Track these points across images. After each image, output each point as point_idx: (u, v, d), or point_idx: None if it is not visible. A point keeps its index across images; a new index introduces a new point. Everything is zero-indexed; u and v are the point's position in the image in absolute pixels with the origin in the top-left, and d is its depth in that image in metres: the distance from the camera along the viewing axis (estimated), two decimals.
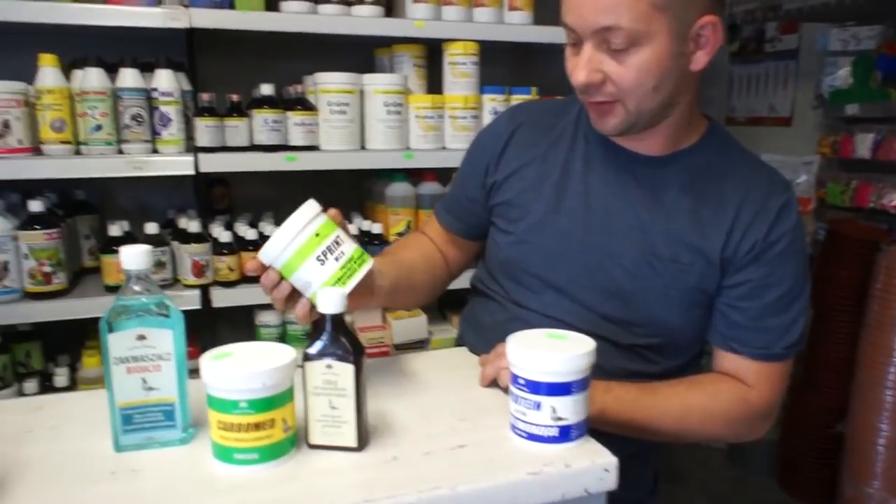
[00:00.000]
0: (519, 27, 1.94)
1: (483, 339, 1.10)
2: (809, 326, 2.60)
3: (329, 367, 0.77)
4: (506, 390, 0.92)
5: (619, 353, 1.04)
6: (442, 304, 2.21)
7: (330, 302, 0.78)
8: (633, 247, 1.02)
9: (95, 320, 1.77)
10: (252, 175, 1.74)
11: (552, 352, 0.79)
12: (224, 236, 1.79)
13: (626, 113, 0.96)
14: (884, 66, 2.51)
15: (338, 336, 0.78)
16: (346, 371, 0.77)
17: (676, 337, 1.06)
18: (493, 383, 0.97)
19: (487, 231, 1.19)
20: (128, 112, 1.64)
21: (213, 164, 1.70)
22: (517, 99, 1.97)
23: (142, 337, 0.77)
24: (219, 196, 2.09)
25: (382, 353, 1.98)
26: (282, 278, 0.90)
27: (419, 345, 2.04)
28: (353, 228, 1.91)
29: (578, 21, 0.92)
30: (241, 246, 1.81)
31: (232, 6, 1.69)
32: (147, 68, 1.71)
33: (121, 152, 1.66)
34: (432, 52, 1.97)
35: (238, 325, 2.03)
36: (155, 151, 1.69)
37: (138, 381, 0.78)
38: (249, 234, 1.82)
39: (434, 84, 1.99)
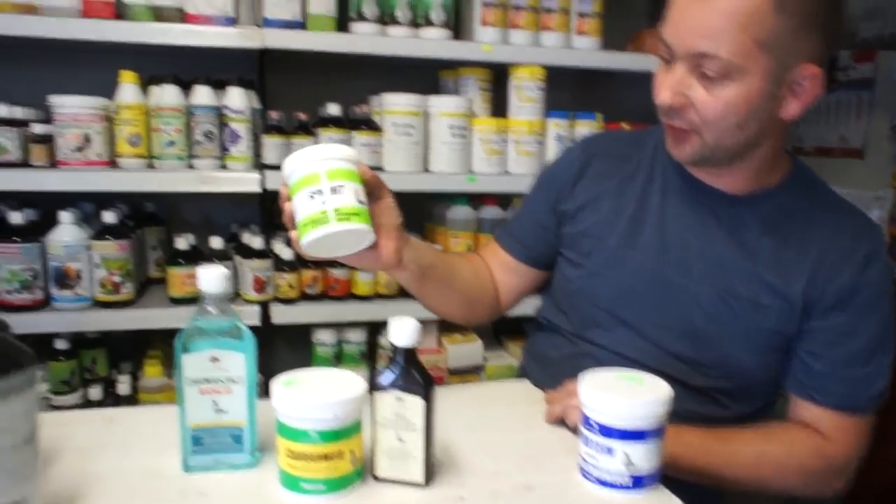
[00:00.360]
0: (586, 52, 1.92)
1: (549, 374, 1.08)
2: None
3: (399, 399, 0.76)
4: (573, 430, 0.90)
5: (690, 395, 1.00)
6: (498, 331, 2.19)
7: (402, 334, 0.77)
8: (710, 285, 0.98)
9: (158, 331, 1.83)
10: None
11: (628, 396, 0.76)
12: (286, 253, 1.81)
13: (702, 145, 0.93)
14: None
15: (409, 368, 0.77)
16: (416, 405, 0.76)
17: (751, 380, 1.01)
18: (560, 421, 0.95)
19: (550, 261, 1.17)
20: (199, 128, 1.68)
21: (279, 181, 1.72)
22: (581, 124, 1.95)
23: (215, 359, 0.78)
24: (280, 212, 2.11)
25: (437, 378, 1.97)
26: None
27: (474, 371, 2.02)
28: None
29: (675, 39, 0.89)
30: (302, 263, 1.83)
31: (304, 27, 1.71)
32: (219, 85, 1.76)
33: (191, 167, 1.70)
34: (498, 76, 1.96)
35: (295, 343, 2.05)
36: (223, 167, 1.72)
37: (209, 403, 0.78)
38: None
39: (498, 107, 1.99)
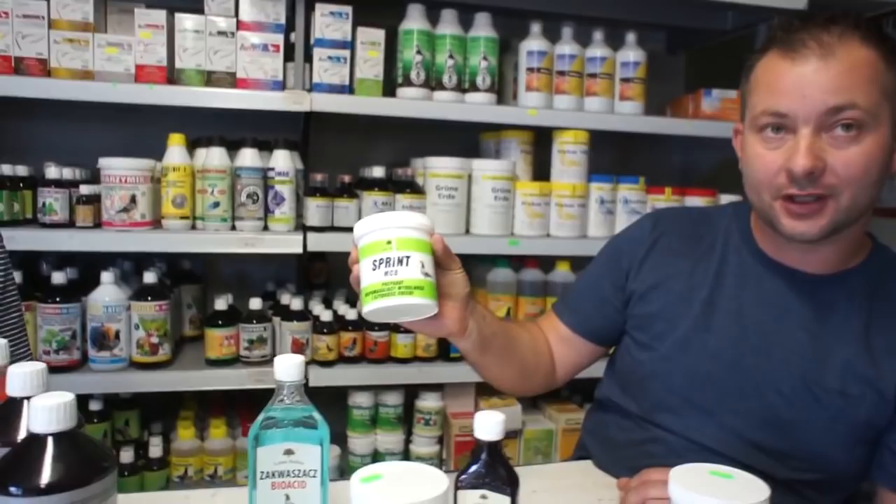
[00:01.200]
0: (630, 117, 1.92)
1: (616, 458, 1.04)
2: None
3: (484, 497, 0.72)
4: None
5: (773, 487, 0.95)
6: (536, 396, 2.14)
7: (487, 428, 0.73)
8: (793, 372, 0.94)
9: (192, 392, 1.80)
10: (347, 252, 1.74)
11: (728, 499, 0.71)
12: (325, 315, 1.78)
13: (836, 211, 0.87)
14: None
15: (494, 464, 0.73)
16: (501, 503, 0.72)
17: (838, 473, 0.96)
18: None
19: (609, 336, 1.13)
20: (244, 190, 1.67)
21: (322, 243, 1.71)
22: (624, 188, 1.93)
23: (289, 452, 0.74)
24: (318, 271, 2.10)
25: (471, 441, 1.91)
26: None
27: (513, 435, 1.97)
28: None
29: (800, 103, 0.86)
30: (340, 325, 1.80)
31: (351, 91, 1.72)
32: (263, 146, 1.76)
33: (233, 228, 1.69)
34: (539, 138, 1.96)
35: (331, 405, 2.00)
36: (265, 228, 1.72)
37: (281, 498, 0.75)
38: (350, 313, 1.81)
39: (539, 169, 1.98)
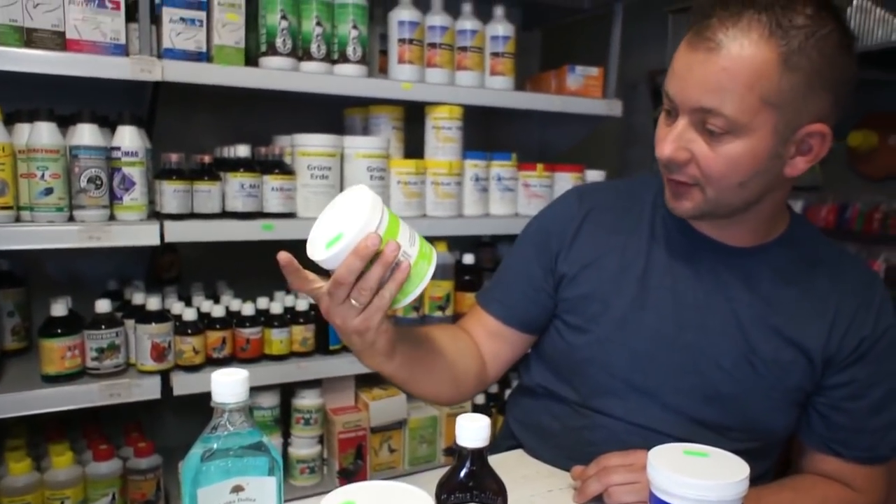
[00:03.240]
0: (502, 92, 1.89)
1: (552, 447, 1.00)
2: None
3: None
4: None
5: None
6: None
7: (472, 434, 0.65)
8: (730, 346, 0.94)
9: (22, 418, 1.51)
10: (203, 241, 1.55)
11: (712, 477, 0.70)
12: (188, 314, 1.58)
13: (703, 200, 0.89)
14: None
15: (481, 473, 0.65)
16: None
17: (773, 440, 0.99)
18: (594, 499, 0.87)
19: (543, 324, 1.08)
20: (84, 174, 1.42)
21: (182, 232, 1.50)
22: (498, 165, 1.91)
23: (238, 488, 0.61)
24: (167, 264, 1.86)
25: (359, 437, 1.81)
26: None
27: (397, 426, 1.89)
28: None
29: (679, 93, 0.85)
30: (206, 324, 1.61)
31: (209, 59, 1.52)
32: (101, 122, 1.50)
33: (72, 219, 1.43)
34: (410, 113, 1.88)
35: (196, 413, 1.79)
36: (112, 218, 1.47)
37: None
38: (216, 310, 1.62)
39: (410, 147, 1.90)
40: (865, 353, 0.94)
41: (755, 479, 0.96)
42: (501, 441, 1.15)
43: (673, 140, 0.86)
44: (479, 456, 0.65)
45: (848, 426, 0.96)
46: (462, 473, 0.65)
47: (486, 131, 2.24)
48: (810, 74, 0.80)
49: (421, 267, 0.78)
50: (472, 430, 0.65)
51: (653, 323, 0.97)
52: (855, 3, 2.29)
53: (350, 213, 0.77)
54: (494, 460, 1.03)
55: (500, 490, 0.65)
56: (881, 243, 2.50)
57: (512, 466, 1.00)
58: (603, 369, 0.99)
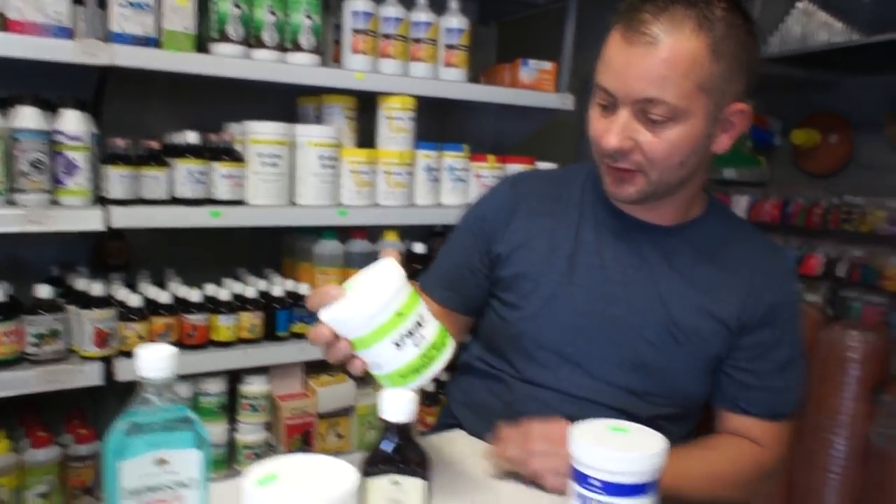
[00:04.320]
0: (455, 84, 1.91)
1: (490, 423, 1.02)
2: None
3: (396, 483, 0.66)
4: (537, 481, 0.87)
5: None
6: None
7: (396, 409, 0.67)
8: (654, 318, 1.01)
9: None
10: (153, 228, 1.54)
11: (631, 450, 0.73)
12: (133, 300, 1.56)
13: (646, 183, 0.96)
14: (755, 137, 2.77)
15: (406, 447, 0.67)
16: (415, 487, 0.67)
17: (693, 405, 1.06)
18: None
19: (482, 305, 1.13)
20: (25, 157, 1.40)
21: (128, 218, 1.49)
22: (450, 155, 1.93)
23: (162, 461, 0.62)
24: (114, 250, 1.84)
25: (306, 423, 1.82)
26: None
27: (344, 413, 1.90)
28: (277, 288, 1.76)
29: (621, 87, 0.91)
30: (151, 310, 1.60)
31: (158, 44, 1.50)
32: (44, 106, 1.48)
33: (12, 203, 1.41)
34: (362, 104, 1.89)
35: None
36: (55, 202, 1.45)
37: None
38: (162, 296, 1.61)
39: (363, 137, 1.91)
40: (770, 318, 1.02)
41: (678, 441, 1.02)
42: (442, 422, 1.18)
43: (618, 132, 0.92)
44: (403, 429, 0.67)
45: (754, 385, 1.03)
46: (386, 446, 0.67)
47: (441, 123, 2.26)
48: (732, 60, 0.90)
49: (405, 372, 0.78)
50: (396, 404, 0.67)
51: (581, 298, 1.03)
52: (799, 6, 2.37)
53: (359, 297, 0.76)
54: (434, 440, 1.06)
55: (424, 462, 0.67)
56: (820, 237, 2.60)
57: (450, 445, 1.03)
58: (535, 343, 1.04)
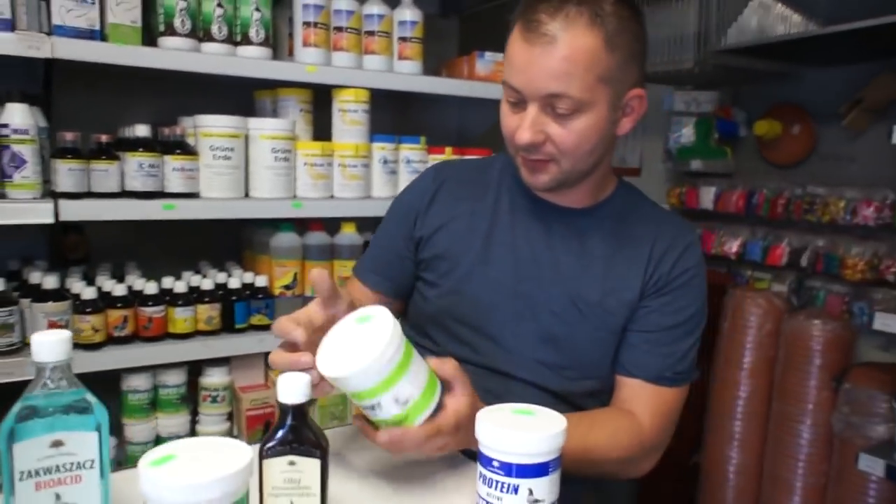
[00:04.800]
0: (409, 76, 1.92)
1: None
2: None
3: (292, 463, 0.69)
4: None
5: (556, 402, 1.05)
6: None
7: (291, 390, 0.69)
8: (561, 293, 1.06)
9: None
10: (112, 221, 1.55)
11: (528, 431, 0.75)
12: (88, 292, 1.58)
13: (559, 172, 1.01)
14: (721, 128, 2.80)
15: (301, 428, 0.69)
16: (311, 467, 0.69)
17: (605, 379, 1.09)
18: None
19: (411, 289, 1.17)
20: None
21: (78, 211, 1.50)
22: (407, 148, 1.95)
23: (58, 443, 0.64)
24: (73, 244, 1.85)
25: (268, 414, 1.84)
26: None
27: (309, 403, 1.92)
28: (234, 281, 1.77)
29: (527, 85, 0.95)
30: (107, 303, 1.61)
31: (104, 38, 1.51)
32: None
33: None
34: (318, 96, 1.90)
35: (100, 391, 1.79)
36: (3, 196, 1.46)
37: (50, 498, 0.64)
38: (117, 289, 1.63)
39: (319, 129, 1.92)
40: (663, 286, 1.06)
41: None
42: None
43: (529, 127, 0.97)
44: (298, 411, 0.69)
45: (641, 347, 1.06)
46: (283, 428, 0.69)
47: (402, 115, 2.27)
48: (625, 50, 0.95)
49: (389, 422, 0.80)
50: (290, 386, 0.69)
51: (494, 275, 1.08)
52: (756, 0, 2.39)
53: (353, 349, 0.78)
54: (355, 431, 1.08)
55: (319, 443, 0.69)
56: (785, 228, 2.63)
57: None
58: (454, 319, 1.09)
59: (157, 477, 0.62)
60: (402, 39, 1.92)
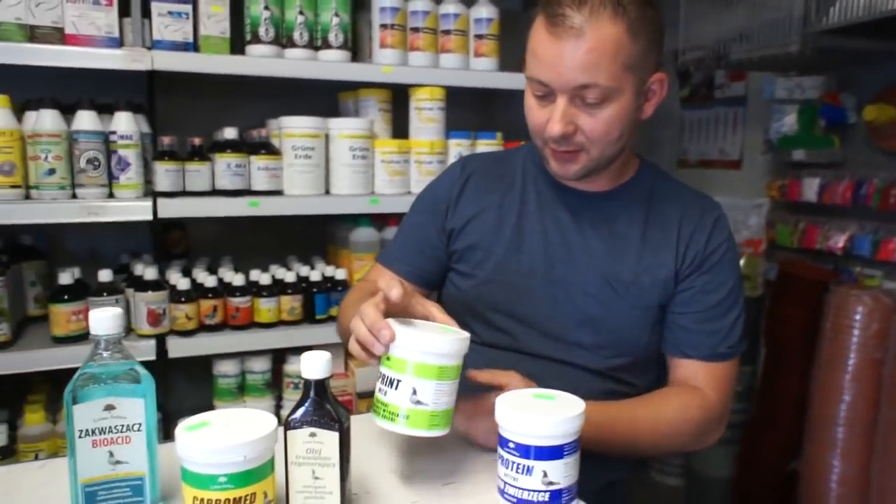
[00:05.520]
0: (484, 73, 1.95)
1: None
2: (764, 363, 2.64)
3: (313, 435, 0.74)
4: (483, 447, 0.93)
5: (594, 377, 1.08)
6: None
7: (313, 366, 0.74)
8: (594, 274, 1.08)
9: (40, 374, 1.69)
10: (210, 218, 1.69)
11: (544, 414, 0.77)
12: (182, 283, 1.72)
13: (588, 160, 1.03)
14: (827, 115, 2.63)
15: (322, 402, 0.74)
16: (331, 439, 0.74)
17: (644, 355, 1.11)
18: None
19: (439, 279, 1.20)
20: (84, 156, 1.57)
21: (173, 209, 1.65)
22: (483, 143, 1.98)
23: (110, 407, 0.72)
24: (175, 240, 2.02)
25: (346, 401, 1.93)
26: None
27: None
28: (315, 274, 1.87)
29: (556, 78, 0.97)
30: (199, 293, 1.75)
31: (196, 49, 1.65)
32: (104, 109, 1.66)
33: (74, 196, 1.60)
34: (397, 96, 1.97)
35: (194, 376, 1.96)
36: (111, 196, 1.63)
37: (105, 455, 0.73)
38: (209, 280, 1.76)
39: (399, 128, 1.99)
40: (700, 265, 1.08)
41: (641, 392, 1.10)
42: None
43: (560, 119, 0.99)
44: (320, 386, 0.75)
45: (690, 328, 1.08)
46: (306, 402, 0.74)
47: (481, 112, 2.30)
48: (646, 37, 0.98)
49: (378, 404, 0.81)
50: (313, 363, 0.74)
51: (528, 263, 1.10)
52: None
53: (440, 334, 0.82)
54: None
55: (338, 417, 0.74)
56: None
57: None
58: (489, 307, 1.12)
59: (190, 440, 0.69)
60: (478, 37, 1.95)
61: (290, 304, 1.83)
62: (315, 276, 1.87)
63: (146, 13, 1.63)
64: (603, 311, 1.08)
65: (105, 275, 1.67)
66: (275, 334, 1.81)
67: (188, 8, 1.63)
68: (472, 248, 1.14)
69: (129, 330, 1.71)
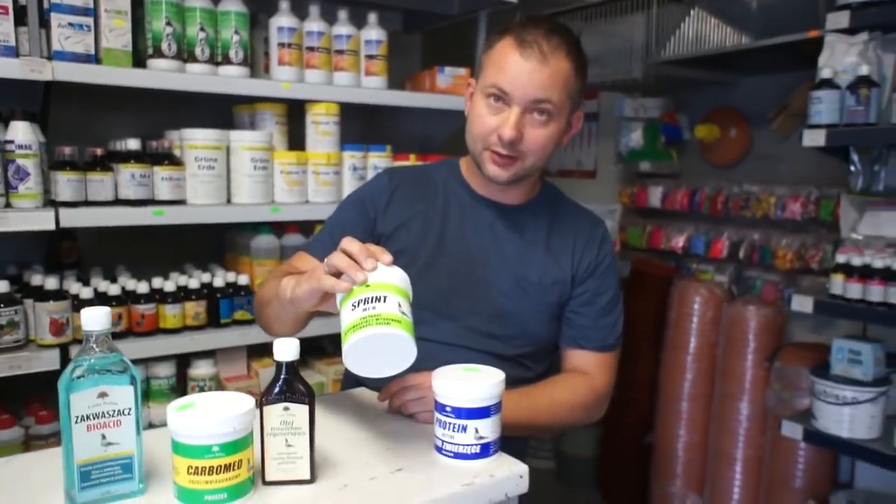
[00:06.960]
0: (375, 91, 2.11)
1: (385, 379, 1.23)
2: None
3: (286, 408, 0.87)
4: (411, 418, 1.10)
5: (504, 364, 1.23)
6: (304, 352, 2.27)
7: (284, 350, 0.87)
8: (508, 275, 1.28)
9: None
10: (102, 228, 1.71)
11: (474, 382, 0.95)
12: (85, 292, 1.73)
13: (521, 168, 1.23)
14: (666, 132, 3.03)
15: (293, 381, 0.87)
16: (302, 411, 0.87)
17: (544, 345, 1.33)
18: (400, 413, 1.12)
19: None
20: None
21: (77, 218, 1.66)
22: (375, 156, 2.13)
23: (103, 394, 0.81)
24: (67, 250, 2.00)
25: None
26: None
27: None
28: (219, 280, 1.94)
29: (518, 90, 1.17)
30: (102, 302, 1.77)
31: (98, 61, 1.68)
32: None
33: None
34: (293, 110, 2.08)
35: None
36: (8, 206, 1.61)
37: (98, 438, 0.81)
38: (112, 289, 1.78)
39: (294, 140, 2.10)
40: (593, 271, 1.32)
41: (538, 375, 1.32)
42: (344, 382, 1.43)
43: (513, 125, 1.18)
44: (290, 366, 0.88)
45: (586, 325, 1.31)
46: (279, 381, 0.87)
47: (370, 126, 2.46)
48: (582, 79, 1.24)
49: (347, 329, 0.90)
50: (283, 346, 0.87)
51: (451, 264, 1.29)
52: (692, 13, 2.63)
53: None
54: (339, 397, 1.26)
55: (308, 393, 0.87)
56: (724, 223, 2.86)
57: (353, 399, 1.23)
58: (417, 306, 1.23)
59: (182, 418, 0.80)
60: (369, 57, 2.10)
61: (195, 309, 1.88)
62: (218, 281, 1.93)
63: (43, 23, 1.63)
64: (514, 307, 1.27)
65: (1, 286, 1.65)
66: (180, 339, 1.86)
67: (90, 20, 1.65)
68: (400, 253, 1.24)
69: (27, 341, 1.69)
